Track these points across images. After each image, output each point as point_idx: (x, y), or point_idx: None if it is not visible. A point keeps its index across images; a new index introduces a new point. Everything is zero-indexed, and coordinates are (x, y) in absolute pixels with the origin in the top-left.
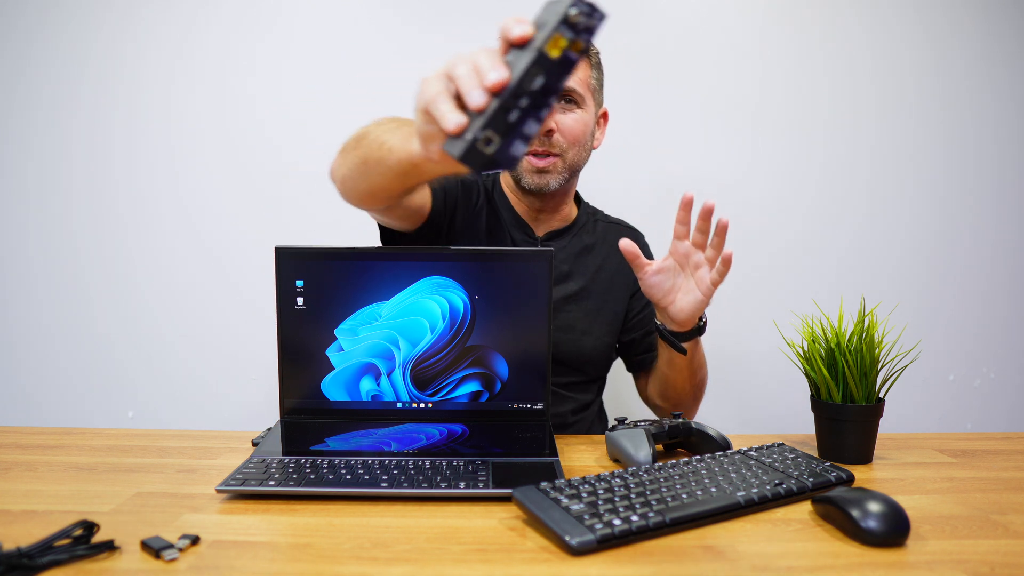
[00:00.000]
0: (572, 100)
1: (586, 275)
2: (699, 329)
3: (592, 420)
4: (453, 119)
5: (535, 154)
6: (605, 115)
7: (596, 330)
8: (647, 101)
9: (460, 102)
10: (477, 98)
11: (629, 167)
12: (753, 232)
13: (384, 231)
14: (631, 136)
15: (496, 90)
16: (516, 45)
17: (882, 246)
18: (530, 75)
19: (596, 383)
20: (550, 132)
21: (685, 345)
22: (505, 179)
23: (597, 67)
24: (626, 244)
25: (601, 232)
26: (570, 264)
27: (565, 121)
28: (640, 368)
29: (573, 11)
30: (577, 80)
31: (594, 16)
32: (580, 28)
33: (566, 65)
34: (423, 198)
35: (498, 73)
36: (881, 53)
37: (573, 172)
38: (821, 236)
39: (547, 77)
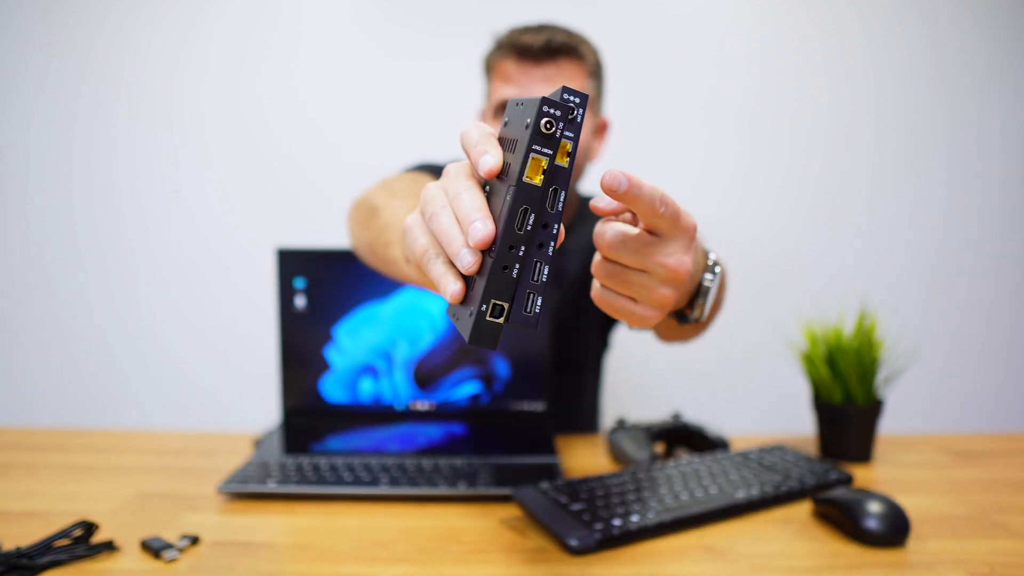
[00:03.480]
0: None
1: (569, 268)
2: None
3: (584, 420)
4: (451, 289)
5: None
6: (604, 125)
7: (568, 320)
8: (646, 104)
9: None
10: (467, 263)
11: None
12: (753, 233)
13: None
14: (630, 138)
15: (486, 246)
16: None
17: (882, 246)
18: (519, 216)
19: (575, 374)
20: None
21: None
22: None
23: (594, 76)
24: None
25: (587, 223)
26: (558, 265)
27: None
28: None
29: (544, 123)
30: None
31: (573, 111)
32: (558, 134)
33: (558, 180)
34: None
35: (485, 224)
36: (882, 55)
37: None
38: (821, 236)
39: (539, 207)
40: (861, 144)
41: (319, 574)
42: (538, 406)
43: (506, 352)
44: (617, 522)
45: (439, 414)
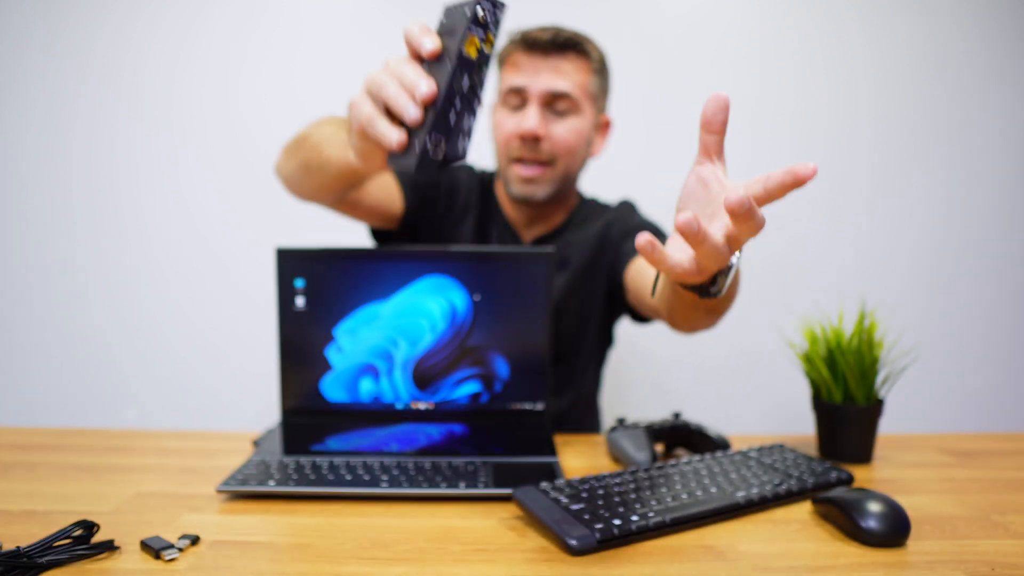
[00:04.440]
0: (567, 107)
1: (573, 257)
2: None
3: (581, 413)
4: (395, 137)
5: (523, 162)
6: (607, 123)
7: (570, 307)
8: (645, 102)
9: (393, 117)
10: (414, 112)
11: (630, 169)
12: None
13: (374, 232)
14: (631, 138)
15: (429, 102)
16: (435, 59)
17: (882, 246)
18: (457, 79)
19: (572, 362)
20: (538, 139)
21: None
22: (499, 184)
23: (598, 73)
24: (642, 240)
25: (593, 221)
26: (563, 252)
27: (557, 130)
28: (623, 262)
29: (480, 11)
30: (572, 84)
31: (498, 10)
32: (489, 24)
33: (484, 60)
34: (387, 197)
35: (428, 84)
36: (882, 54)
37: (565, 181)
38: (822, 236)
39: (471, 76)
40: (861, 144)
41: (319, 574)
42: (538, 406)
43: (506, 352)
44: (617, 522)
45: (439, 414)
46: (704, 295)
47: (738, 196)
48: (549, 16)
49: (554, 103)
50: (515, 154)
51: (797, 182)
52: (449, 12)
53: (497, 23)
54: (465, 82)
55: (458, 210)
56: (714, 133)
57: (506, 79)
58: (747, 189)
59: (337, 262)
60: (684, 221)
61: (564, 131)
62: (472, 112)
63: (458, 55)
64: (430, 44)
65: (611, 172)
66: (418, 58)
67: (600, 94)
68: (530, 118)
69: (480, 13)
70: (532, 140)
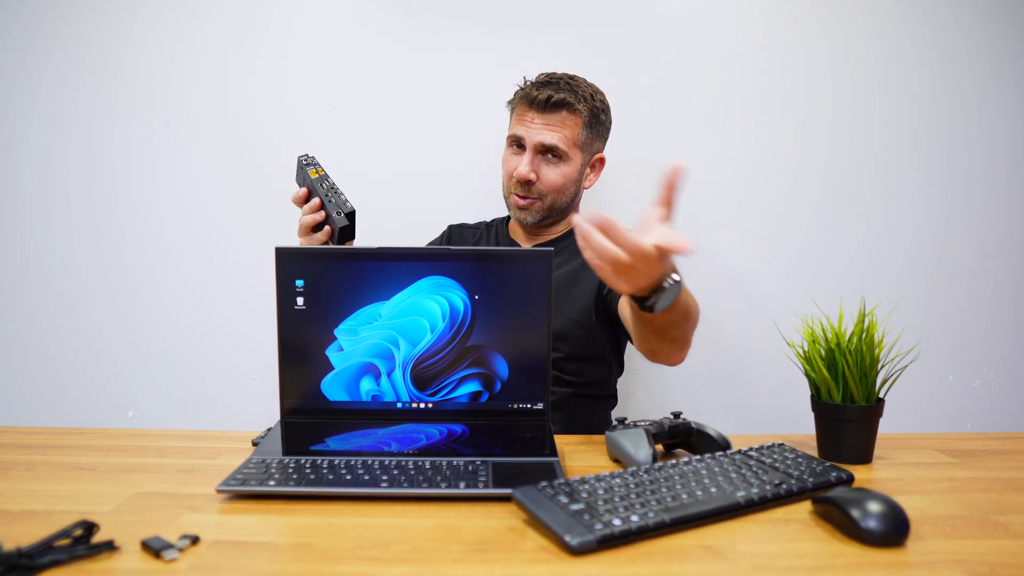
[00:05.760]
0: (557, 155)
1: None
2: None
3: (589, 411)
4: (325, 230)
5: (520, 195)
6: (601, 160)
7: (564, 309)
8: (649, 103)
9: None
10: (316, 218)
11: (631, 169)
12: (754, 233)
13: None
14: (633, 138)
15: (318, 206)
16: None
17: (883, 247)
18: (321, 188)
19: (578, 363)
20: (529, 183)
21: (656, 309)
22: (510, 224)
23: (589, 124)
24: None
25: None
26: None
27: (547, 173)
28: (614, 301)
29: (305, 161)
30: (559, 139)
31: (310, 157)
32: (312, 162)
33: (323, 177)
34: None
35: (314, 200)
36: (884, 54)
37: (553, 211)
38: (822, 236)
39: (323, 183)
40: (862, 145)
41: (319, 574)
42: (538, 406)
43: (506, 352)
44: (617, 522)
45: (439, 414)
46: (642, 307)
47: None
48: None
49: (546, 152)
50: (514, 189)
51: (678, 250)
52: (298, 167)
53: (313, 163)
54: (324, 185)
55: (470, 240)
56: (668, 188)
57: (512, 126)
58: (657, 237)
59: (337, 262)
60: (596, 219)
61: (553, 175)
62: (336, 193)
63: (315, 179)
64: (301, 192)
65: (614, 174)
66: (306, 198)
67: (592, 140)
68: (524, 165)
69: (305, 161)
70: (525, 183)
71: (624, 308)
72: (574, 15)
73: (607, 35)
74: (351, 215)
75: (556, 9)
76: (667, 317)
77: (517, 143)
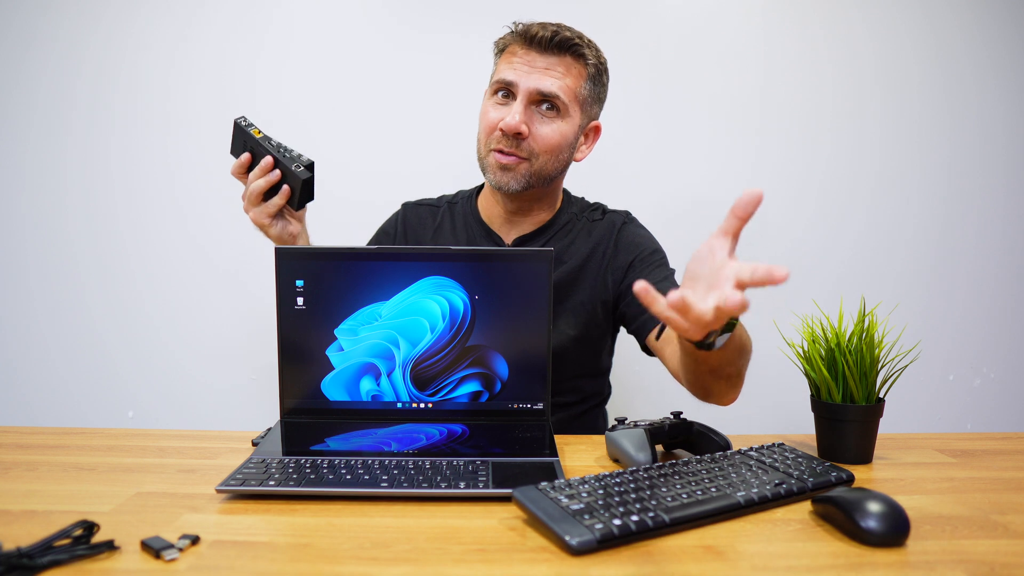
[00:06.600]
0: (554, 107)
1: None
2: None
3: (587, 421)
4: (283, 192)
5: (501, 151)
6: (597, 129)
7: (558, 323)
8: (649, 104)
9: (267, 197)
10: (275, 174)
11: (632, 170)
12: (754, 233)
13: None
14: (634, 138)
15: (272, 165)
16: (253, 159)
17: (883, 247)
18: (269, 147)
19: (574, 381)
20: (519, 135)
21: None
22: (486, 187)
23: (593, 79)
24: (639, 287)
25: (584, 230)
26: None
27: (540, 129)
28: (644, 331)
29: (243, 122)
30: (561, 87)
31: (246, 119)
32: (251, 124)
33: (265, 137)
34: None
35: (265, 161)
36: (884, 54)
37: (541, 179)
38: (822, 237)
39: (269, 142)
40: (862, 144)
41: (319, 574)
42: (538, 406)
43: (506, 352)
44: (617, 522)
45: (439, 414)
46: (699, 347)
47: (674, 299)
48: (550, 15)
49: (541, 103)
50: (495, 144)
51: (772, 282)
52: (235, 131)
53: (250, 124)
54: (273, 143)
55: (431, 227)
56: (739, 219)
57: (500, 69)
58: (738, 272)
59: (337, 262)
60: (672, 300)
61: (548, 131)
62: (287, 150)
63: (258, 139)
64: (244, 158)
65: (613, 173)
66: (248, 166)
67: (592, 100)
68: (515, 114)
69: (243, 123)
70: (514, 136)
71: (666, 346)
72: (574, 15)
73: (607, 35)
74: (311, 166)
75: (556, 9)
76: (722, 355)
77: (505, 90)
